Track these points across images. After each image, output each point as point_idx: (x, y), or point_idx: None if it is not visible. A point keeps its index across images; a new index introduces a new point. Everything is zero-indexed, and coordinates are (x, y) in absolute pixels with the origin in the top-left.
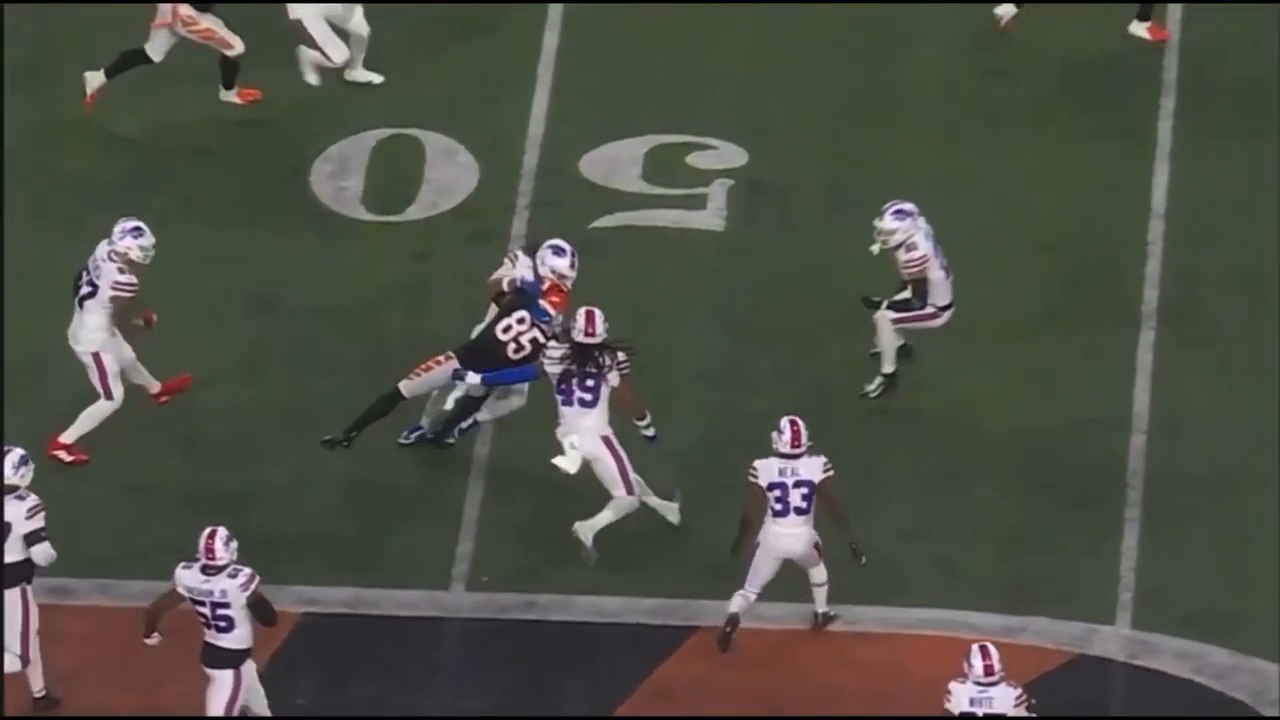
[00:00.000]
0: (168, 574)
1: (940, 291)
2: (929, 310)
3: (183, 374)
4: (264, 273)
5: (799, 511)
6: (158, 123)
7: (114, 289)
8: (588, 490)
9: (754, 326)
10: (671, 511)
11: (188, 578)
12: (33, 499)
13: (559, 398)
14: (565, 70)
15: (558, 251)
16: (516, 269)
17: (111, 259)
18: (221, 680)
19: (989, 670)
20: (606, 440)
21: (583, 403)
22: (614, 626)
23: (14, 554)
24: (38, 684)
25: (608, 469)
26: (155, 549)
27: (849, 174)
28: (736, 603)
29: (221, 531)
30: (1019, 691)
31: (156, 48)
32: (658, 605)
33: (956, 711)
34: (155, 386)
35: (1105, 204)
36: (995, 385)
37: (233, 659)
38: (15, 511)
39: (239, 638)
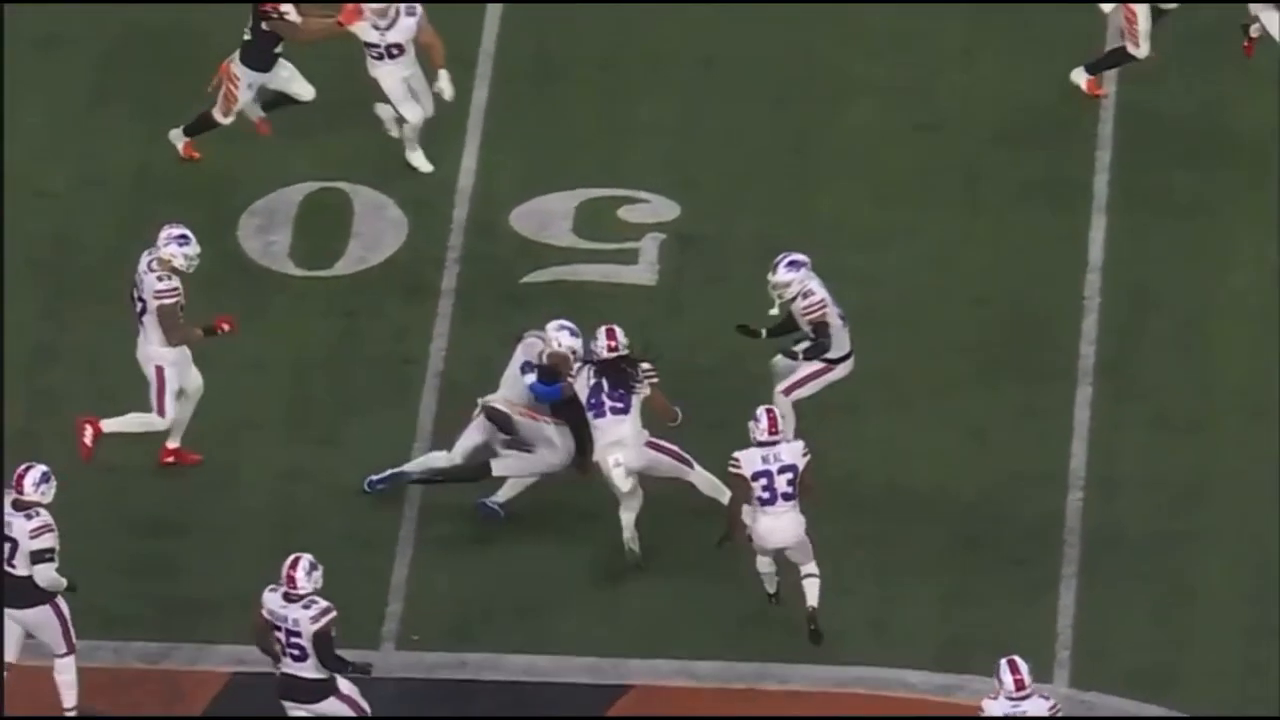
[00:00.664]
0: (93, 633)
1: (838, 341)
2: (821, 366)
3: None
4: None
5: (786, 497)
6: (83, 177)
7: (156, 298)
8: (518, 548)
9: (686, 381)
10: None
11: (270, 600)
12: (40, 518)
13: (591, 413)
14: (495, 123)
15: (573, 333)
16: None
17: (151, 269)
18: (334, 707)
19: (1020, 685)
20: (651, 444)
21: (615, 410)
22: (546, 686)
23: (25, 568)
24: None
25: (666, 465)
26: (79, 611)
27: (781, 227)
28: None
29: (305, 560)
30: (1052, 702)
31: (250, 107)
32: (590, 664)
33: None
34: (174, 442)
35: (1041, 258)
36: (930, 442)
37: (322, 689)
38: (21, 528)
39: (315, 667)
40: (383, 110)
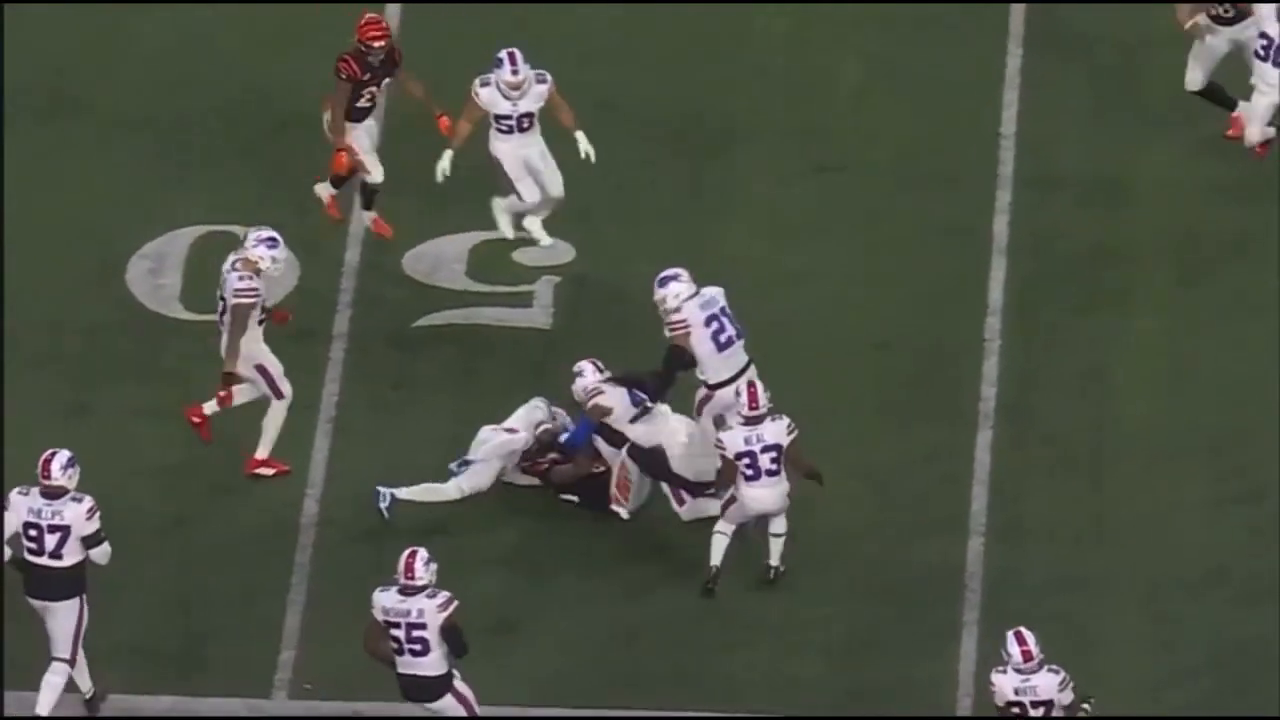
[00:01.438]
0: None
1: (712, 367)
2: (703, 393)
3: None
4: (80, 373)
5: (770, 474)
6: None
7: (235, 296)
8: None
9: None
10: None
11: (385, 599)
12: (89, 500)
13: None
14: (387, 164)
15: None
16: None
17: (235, 268)
18: (450, 707)
19: (1027, 655)
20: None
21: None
22: None
23: (73, 556)
24: (86, 684)
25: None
26: None
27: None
28: (717, 546)
29: (422, 552)
30: (1062, 676)
31: (374, 167)
32: (485, 715)
33: (1002, 703)
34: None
35: (941, 300)
36: (830, 486)
37: (440, 686)
38: (74, 513)
39: (435, 663)
40: (499, 206)
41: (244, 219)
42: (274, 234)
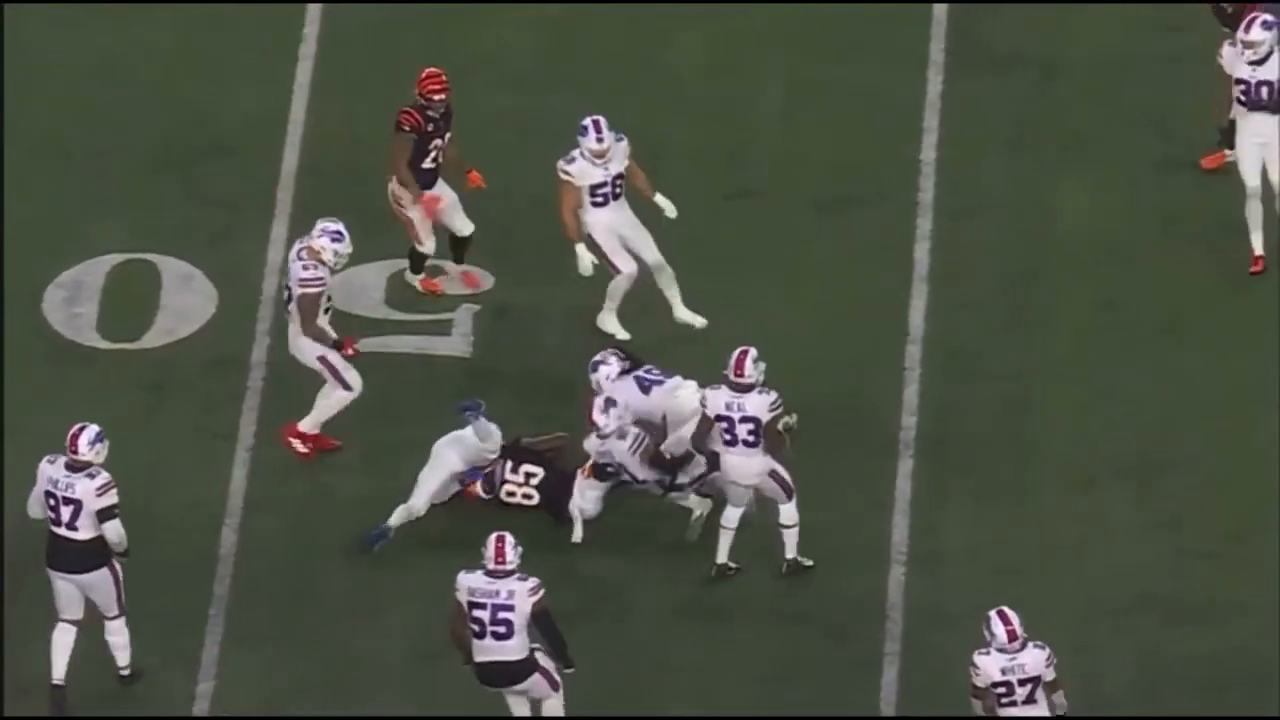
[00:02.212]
0: None
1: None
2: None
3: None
4: None
5: (747, 444)
6: None
7: (300, 285)
8: (330, 628)
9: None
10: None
11: (471, 580)
12: (104, 476)
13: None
14: (305, 192)
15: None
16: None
17: (299, 256)
18: (537, 684)
19: (1012, 635)
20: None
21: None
22: None
23: (89, 530)
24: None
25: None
26: None
27: (598, 297)
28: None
29: (509, 537)
30: (1048, 652)
31: (425, 234)
32: None
33: (986, 684)
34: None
35: (861, 328)
36: (752, 515)
37: (527, 667)
38: (85, 488)
39: (519, 647)
40: (583, 255)
41: (161, 247)
42: (340, 228)
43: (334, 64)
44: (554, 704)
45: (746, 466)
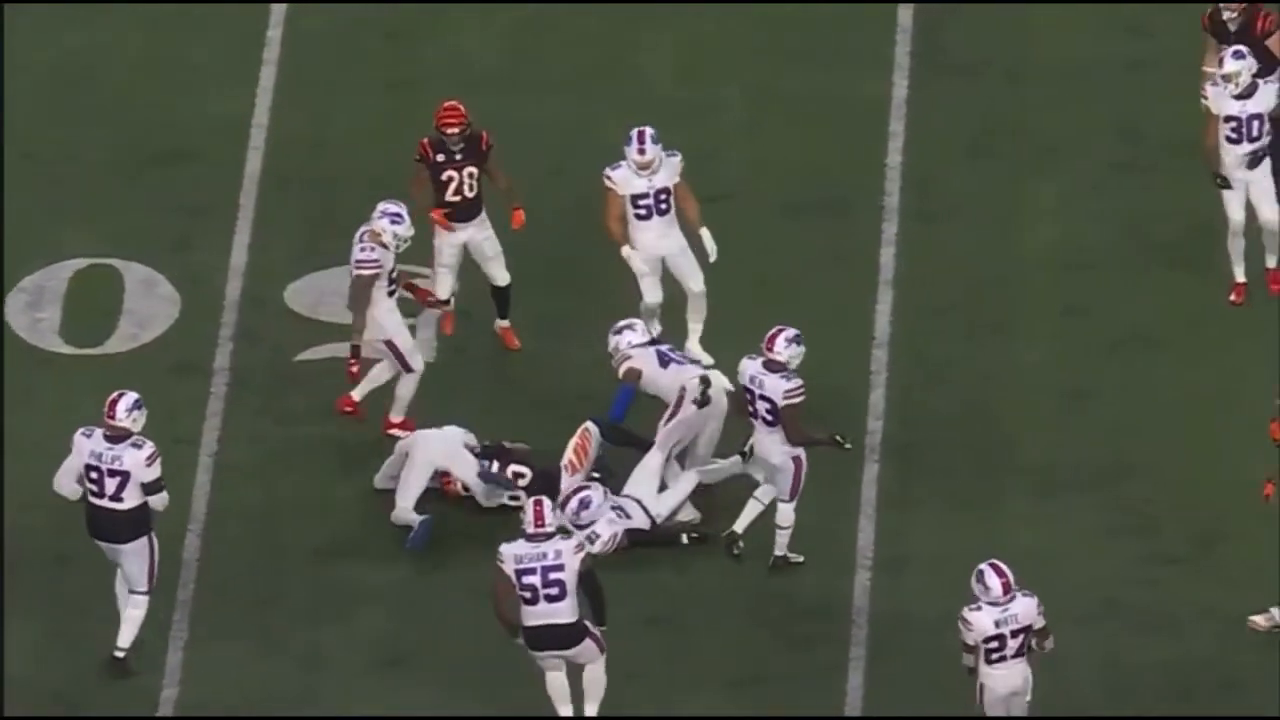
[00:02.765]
0: None
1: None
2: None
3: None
4: None
5: (766, 422)
6: None
7: (356, 266)
8: (295, 634)
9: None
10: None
11: (515, 548)
12: (150, 446)
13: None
14: (268, 197)
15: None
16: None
17: (360, 239)
18: (587, 649)
19: (1007, 587)
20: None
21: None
22: None
23: (134, 499)
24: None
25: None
26: None
27: (562, 301)
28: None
29: (547, 501)
30: (1037, 599)
31: (444, 288)
32: None
33: (979, 640)
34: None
35: (828, 332)
36: (720, 522)
37: (579, 631)
38: (134, 459)
39: (571, 608)
40: (632, 256)
41: (124, 252)
42: (400, 209)
43: (298, 68)
44: (597, 670)
45: (766, 444)
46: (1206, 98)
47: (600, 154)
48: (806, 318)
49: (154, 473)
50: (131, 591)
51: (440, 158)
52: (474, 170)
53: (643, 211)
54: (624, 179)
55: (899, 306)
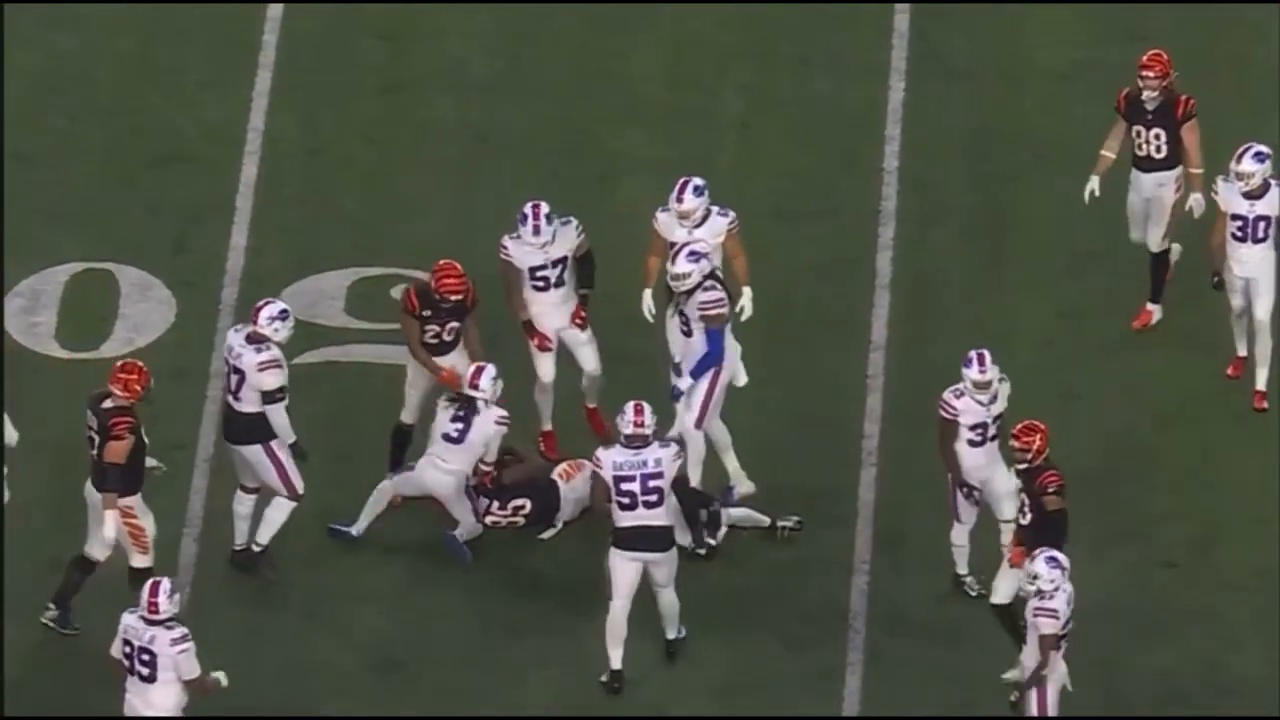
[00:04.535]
0: None
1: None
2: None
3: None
4: None
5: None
6: None
7: (501, 257)
8: (286, 639)
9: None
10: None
11: (614, 455)
12: (270, 352)
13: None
14: (264, 200)
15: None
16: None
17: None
18: (672, 560)
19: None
20: None
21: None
22: None
23: (250, 404)
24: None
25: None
26: None
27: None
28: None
29: (646, 405)
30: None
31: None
32: None
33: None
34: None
35: (825, 336)
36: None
37: (670, 537)
38: (249, 360)
39: (666, 514)
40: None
41: (120, 256)
42: (540, 205)
43: (293, 72)
44: (671, 593)
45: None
46: (1217, 192)
47: (594, 158)
48: (803, 323)
49: (267, 380)
50: (273, 496)
51: (426, 313)
52: (455, 325)
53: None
54: (666, 224)
55: (895, 311)
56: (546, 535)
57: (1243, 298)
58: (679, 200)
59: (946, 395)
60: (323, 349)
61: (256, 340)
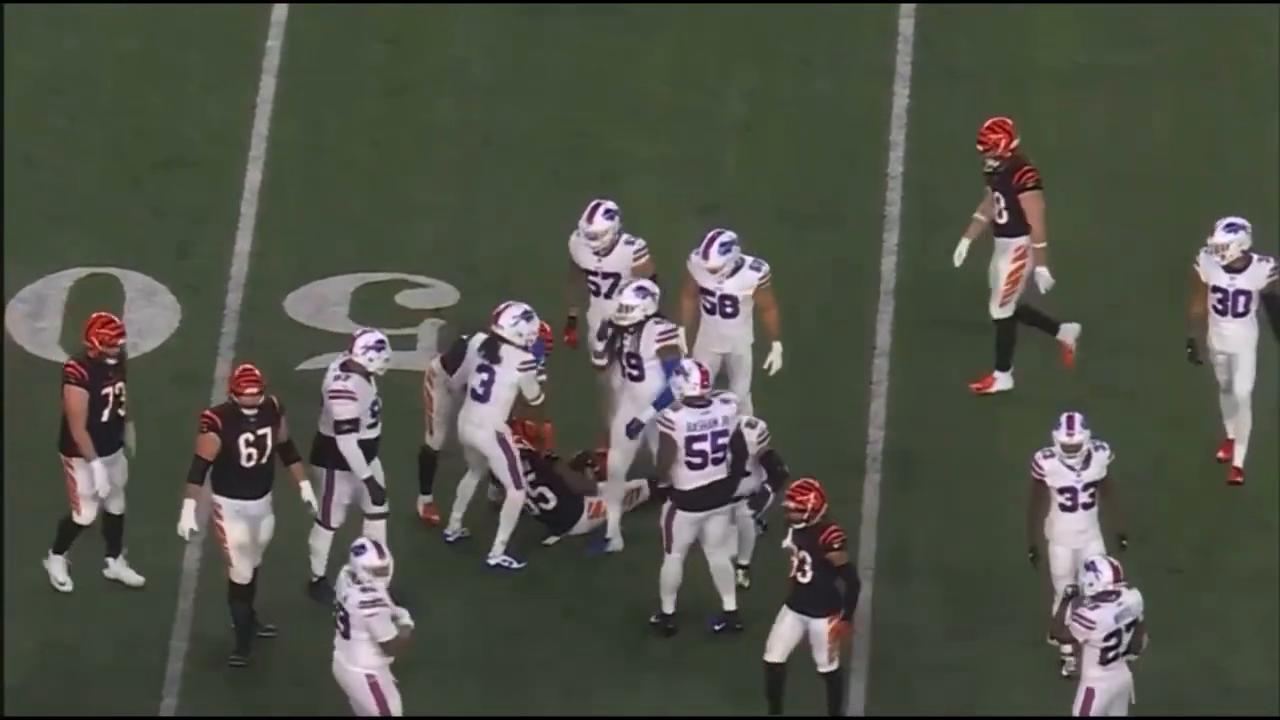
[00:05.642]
0: None
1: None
2: None
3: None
4: None
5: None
6: None
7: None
8: (289, 648)
9: (460, 462)
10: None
11: (685, 416)
12: (344, 381)
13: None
14: (268, 205)
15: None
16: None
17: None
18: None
19: (1118, 575)
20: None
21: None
22: None
23: (326, 428)
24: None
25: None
26: None
27: (562, 310)
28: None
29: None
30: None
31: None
32: None
33: (1100, 638)
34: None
35: (828, 341)
36: None
37: (734, 488)
38: (326, 385)
39: (728, 468)
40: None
41: (124, 261)
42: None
43: (296, 75)
44: (723, 558)
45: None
46: (1198, 264)
47: (596, 160)
48: (807, 328)
49: (337, 409)
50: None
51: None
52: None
53: (707, 305)
54: (695, 266)
55: (900, 315)
56: (550, 541)
57: (1225, 372)
58: (704, 257)
59: (1037, 455)
60: (326, 355)
61: (348, 368)
